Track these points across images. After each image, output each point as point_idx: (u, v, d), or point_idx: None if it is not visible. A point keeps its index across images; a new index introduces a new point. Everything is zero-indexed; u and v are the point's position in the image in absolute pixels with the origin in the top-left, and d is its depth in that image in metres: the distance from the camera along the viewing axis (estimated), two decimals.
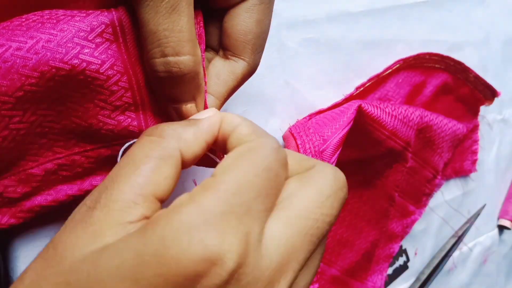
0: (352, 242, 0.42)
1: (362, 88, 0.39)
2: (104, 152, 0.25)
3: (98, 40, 0.21)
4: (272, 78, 0.35)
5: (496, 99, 0.48)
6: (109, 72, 0.22)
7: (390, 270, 0.46)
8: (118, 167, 0.19)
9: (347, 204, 0.41)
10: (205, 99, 0.24)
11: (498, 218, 0.58)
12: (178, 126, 0.21)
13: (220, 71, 0.24)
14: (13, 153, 0.23)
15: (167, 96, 0.23)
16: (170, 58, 0.20)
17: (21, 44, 0.21)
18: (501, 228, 0.58)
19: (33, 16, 0.21)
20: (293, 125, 0.35)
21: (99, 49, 0.22)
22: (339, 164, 0.35)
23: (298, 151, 0.32)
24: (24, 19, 0.21)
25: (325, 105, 0.38)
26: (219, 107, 0.25)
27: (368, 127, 0.36)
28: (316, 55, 0.37)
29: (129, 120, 0.24)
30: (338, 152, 0.34)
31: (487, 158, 0.54)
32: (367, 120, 0.36)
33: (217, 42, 0.26)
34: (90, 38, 0.21)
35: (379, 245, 0.43)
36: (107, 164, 0.26)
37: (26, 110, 0.22)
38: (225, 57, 0.25)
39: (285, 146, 0.34)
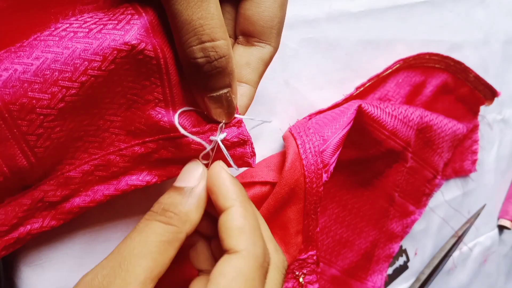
0: (352, 242, 0.42)
1: (362, 88, 0.39)
2: (137, 150, 0.25)
3: (134, 42, 0.22)
4: (272, 78, 0.35)
5: (496, 99, 0.48)
6: (143, 70, 0.23)
7: (390, 270, 0.46)
8: (131, 246, 0.21)
9: (347, 204, 0.41)
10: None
11: (498, 218, 0.58)
12: (181, 207, 0.22)
13: (249, 59, 0.25)
14: (52, 159, 0.23)
15: (205, 85, 0.23)
16: (207, 44, 0.21)
17: (58, 56, 0.21)
18: (501, 228, 0.58)
19: (61, 25, 0.22)
20: (293, 125, 0.35)
21: (134, 50, 0.22)
22: (339, 164, 0.35)
23: (298, 151, 0.32)
24: (53, 29, 0.21)
25: (325, 105, 0.38)
26: (254, 94, 0.26)
27: (368, 127, 0.36)
28: (316, 55, 0.37)
29: (160, 115, 0.24)
30: (338, 152, 0.34)
31: (487, 158, 0.54)
32: (367, 120, 0.36)
33: (231, 29, 0.26)
34: (125, 41, 0.22)
35: (379, 245, 0.43)
36: (141, 163, 0.26)
37: (66, 119, 0.22)
38: (249, 43, 0.25)
39: (285, 146, 0.34)
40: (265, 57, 0.25)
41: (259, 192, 0.33)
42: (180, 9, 0.20)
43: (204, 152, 0.25)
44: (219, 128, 0.25)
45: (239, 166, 0.26)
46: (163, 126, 0.25)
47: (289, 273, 0.35)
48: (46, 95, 0.21)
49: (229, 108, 0.24)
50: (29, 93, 0.21)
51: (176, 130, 0.25)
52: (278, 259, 0.23)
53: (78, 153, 0.25)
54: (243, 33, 0.25)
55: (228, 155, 0.25)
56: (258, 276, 0.21)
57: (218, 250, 0.25)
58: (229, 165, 0.25)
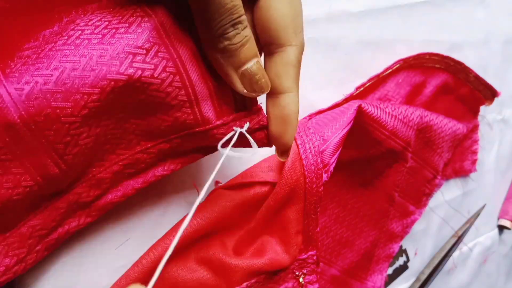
0: (352, 242, 0.42)
1: (362, 88, 0.39)
2: (163, 146, 0.26)
3: (147, 45, 0.22)
4: None
5: (496, 99, 0.48)
6: (163, 75, 0.23)
7: (390, 270, 0.46)
8: None
9: (347, 204, 0.41)
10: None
11: (498, 218, 0.58)
12: None
13: (276, 70, 0.25)
14: (82, 164, 0.24)
15: (238, 58, 0.23)
16: (236, 20, 0.22)
17: (76, 64, 0.21)
18: (501, 228, 0.58)
19: (73, 32, 0.22)
20: None
21: (149, 54, 0.22)
22: (339, 164, 0.35)
23: (298, 151, 0.32)
24: (66, 38, 0.22)
25: (325, 105, 0.38)
26: (297, 99, 0.26)
27: (368, 127, 0.36)
28: (316, 55, 0.37)
29: (185, 115, 0.25)
30: (338, 152, 0.34)
31: (487, 158, 0.54)
32: (367, 120, 0.36)
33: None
34: (139, 45, 0.22)
35: (379, 245, 0.43)
36: (168, 156, 0.27)
37: (91, 125, 0.23)
38: (271, 52, 0.25)
39: None
40: (290, 60, 0.24)
41: (259, 192, 0.33)
42: None
43: (232, 142, 0.25)
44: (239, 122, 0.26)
45: (259, 146, 0.27)
46: (189, 123, 0.25)
47: (289, 273, 0.35)
48: (68, 104, 0.21)
49: (264, 76, 0.24)
50: (52, 103, 0.21)
51: (201, 124, 0.25)
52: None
53: (107, 155, 0.25)
54: (264, 42, 0.25)
55: (255, 143, 0.26)
56: None
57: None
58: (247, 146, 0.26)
